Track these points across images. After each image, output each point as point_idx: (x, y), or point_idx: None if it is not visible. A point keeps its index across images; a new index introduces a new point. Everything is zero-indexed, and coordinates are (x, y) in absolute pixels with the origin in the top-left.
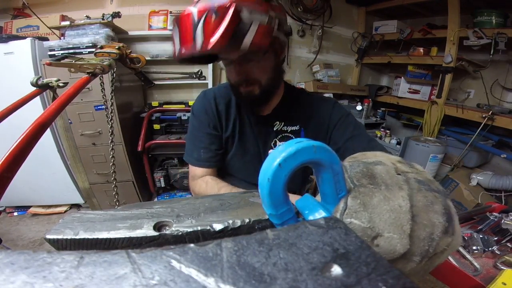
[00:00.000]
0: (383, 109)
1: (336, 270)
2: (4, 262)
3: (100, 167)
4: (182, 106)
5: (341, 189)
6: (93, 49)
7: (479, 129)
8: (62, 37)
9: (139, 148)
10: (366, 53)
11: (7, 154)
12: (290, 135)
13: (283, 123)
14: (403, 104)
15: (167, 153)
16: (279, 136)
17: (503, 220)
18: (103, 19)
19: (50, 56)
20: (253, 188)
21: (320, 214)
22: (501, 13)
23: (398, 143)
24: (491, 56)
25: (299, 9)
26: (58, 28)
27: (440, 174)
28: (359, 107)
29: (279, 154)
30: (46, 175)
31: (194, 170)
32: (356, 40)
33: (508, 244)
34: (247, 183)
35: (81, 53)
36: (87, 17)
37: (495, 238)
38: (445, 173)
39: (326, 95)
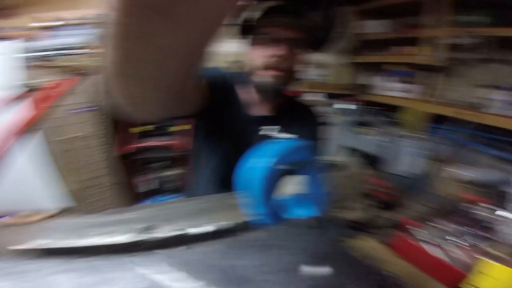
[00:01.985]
0: (371, 107)
1: (325, 270)
2: None
3: (86, 171)
4: None
5: (319, 187)
6: (85, 50)
7: (464, 126)
8: (48, 38)
9: (125, 151)
10: (355, 53)
11: None
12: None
13: (283, 128)
14: (390, 102)
15: (153, 156)
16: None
17: (477, 211)
18: (91, 19)
19: (39, 57)
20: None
21: (300, 212)
22: (484, 12)
23: (385, 140)
24: (477, 54)
25: None
26: (43, 28)
27: (425, 169)
28: (348, 106)
29: (265, 153)
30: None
31: None
32: (346, 40)
33: (485, 234)
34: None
35: (67, 54)
36: (74, 17)
37: (472, 229)
38: (430, 168)
39: (317, 95)
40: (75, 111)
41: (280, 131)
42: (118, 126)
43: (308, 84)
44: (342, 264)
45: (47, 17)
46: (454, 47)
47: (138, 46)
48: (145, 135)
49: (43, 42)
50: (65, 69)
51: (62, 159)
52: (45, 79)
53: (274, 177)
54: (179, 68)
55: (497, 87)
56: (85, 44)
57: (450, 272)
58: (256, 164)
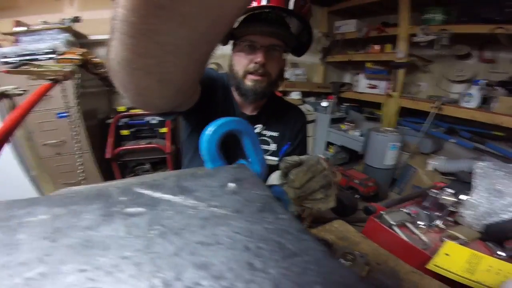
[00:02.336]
0: (347, 104)
1: (231, 185)
2: None
3: (68, 177)
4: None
5: (258, 152)
6: (52, 55)
7: (430, 118)
8: (17, 43)
9: (107, 156)
10: (329, 52)
11: None
12: (268, 139)
13: (264, 126)
14: (364, 99)
15: (138, 158)
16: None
17: (440, 195)
18: (62, 24)
19: (4, 63)
20: None
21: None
22: (446, 10)
23: (361, 135)
24: (436, 51)
25: None
26: (12, 34)
27: (400, 161)
28: (324, 103)
29: (212, 125)
30: (8, 188)
31: None
32: (319, 40)
33: (449, 218)
34: None
35: (38, 59)
36: (45, 22)
37: (438, 214)
38: (405, 160)
39: (294, 93)
40: (57, 115)
41: (264, 129)
42: (102, 130)
43: (285, 83)
44: (246, 183)
45: (15, 23)
46: (416, 45)
47: (143, 42)
48: (134, 137)
49: (14, 48)
50: (38, 75)
51: (37, 166)
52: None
53: (219, 139)
54: (184, 65)
55: (458, 82)
56: (57, 49)
57: (416, 253)
58: (205, 131)
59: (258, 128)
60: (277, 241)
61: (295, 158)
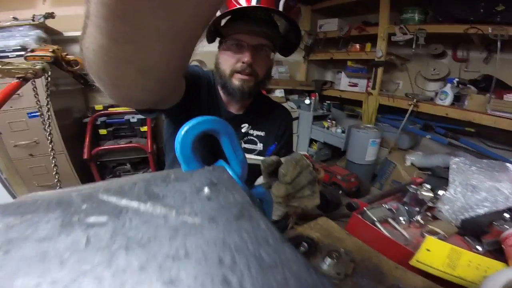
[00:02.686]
0: (328, 102)
1: (206, 189)
2: None
3: (42, 179)
4: (129, 108)
5: (238, 153)
6: (22, 53)
7: (407, 114)
8: None
9: (85, 156)
10: (312, 50)
11: None
12: (255, 139)
13: (250, 126)
14: (345, 97)
15: (117, 158)
16: (244, 138)
17: (419, 191)
18: (33, 20)
19: None
20: None
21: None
22: (423, 10)
23: (343, 132)
24: (413, 50)
25: None
26: None
27: (380, 157)
28: (307, 101)
29: (186, 124)
30: None
31: None
32: (302, 38)
33: (428, 213)
34: None
35: (7, 57)
36: (14, 18)
37: (417, 209)
38: (384, 156)
39: (278, 91)
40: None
41: (251, 128)
42: (78, 129)
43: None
44: (222, 186)
45: None
46: (394, 44)
47: (120, 25)
48: (113, 136)
49: None
50: (7, 73)
51: (7, 169)
52: None
53: (193, 140)
54: (167, 51)
55: (433, 80)
56: (24, 46)
57: (399, 249)
58: (179, 131)
59: (245, 127)
60: (254, 252)
61: (273, 158)
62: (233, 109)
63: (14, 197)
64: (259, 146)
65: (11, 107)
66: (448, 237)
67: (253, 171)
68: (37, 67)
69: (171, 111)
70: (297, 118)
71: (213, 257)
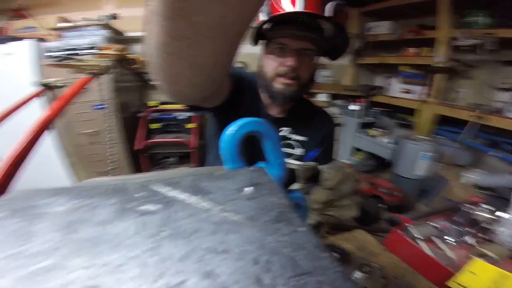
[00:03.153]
0: (377, 108)
1: (247, 189)
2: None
3: (99, 166)
4: (179, 106)
5: (279, 156)
6: (91, 50)
7: (468, 127)
8: (60, 39)
9: (137, 147)
10: (360, 54)
11: (13, 152)
12: (293, 143)
13: (290, 129)
14: (396, 104)
15: (164, 151)
16: (282, 142)
17: (474, 211)
18: (100, 20)
19: (49, 57)
20: None
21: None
22: (489, 14)
23: (391, 142)
24: (479, 56)
25: None
26: (55, 29)
27: (431, 172)
28: (353, 107)
29: (232, 125)
30: (45, 173)
31: None
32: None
33: (480, 235)
34: None
35: (78, 54)
36: (84, 18)
37: (469, 229)
38: (436, 171)
39: (321, 95)
40: (93, 107)
41: (291, 132)
42: (133, 123)
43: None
44: (263, 188)
45: (61, 19)
46: (458, 49)
47: (179, 23)
48: (163, 131)
49: (57, 43)
50: (78, 69)
51: (73, 153)
52: (60, 78)
53: (239, 140)
54: (215, 46)
55: (503, 89)
56: (95, 45)
57: (438, 269)
58: (226, 131)
59: (284, 131)
60: (290, 256)
61: (312, 163)
62: (274, 112)
63: (75, 180)
64: (298, 151)
65: (80, 99)
66: (500, 261)
67: (288, 176)
68: (104, 64)
69: (215, 110)
70: (340, 125)
71: (249, 256)
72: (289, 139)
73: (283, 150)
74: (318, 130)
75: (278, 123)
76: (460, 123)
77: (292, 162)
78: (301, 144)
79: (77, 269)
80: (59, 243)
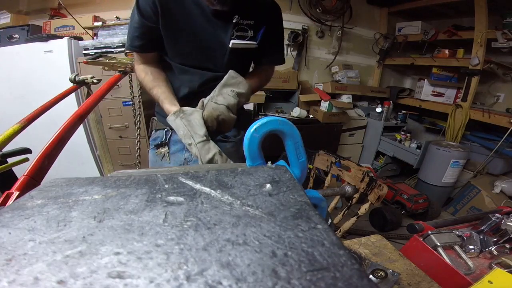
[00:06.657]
0: (405, 111)
1: (268, 186)
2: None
3: (126, 159)
4: None
5: (301, 155)
6: (123, 49)
7: (506, 135)
8: (95, 37)
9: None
10: (388, 55)
11: (48, 144)
12: (246, 27)
13: (239, 16)
14: (426, 107)
15: None
16: (236, 28)
17: (503, 221)
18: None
19: (85, 54)
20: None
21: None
22: None
23: (418, 147)
24: None
25: (318, 10)
26: (91, 28)
27: (461, 180)
28: (378, 109)
29: (256, 123)
30: (76, 164)
31: (135, 54)
32: (377, 41)
33: (506, 245)
34: (198, 69)
35: (112, 52)
36: (117, 17)
37: (494, 239)
38: (467, 179)
39: (344, 96)
40: (123, 103)
41: (238, 19)
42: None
43: (336, 85)
44: (283, 185)
45: (94, 18)
46: (495, 51)
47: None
48: None
49: (92, 41)
50: (108, 67)
51: (102, 146)
52: (92, 75)
53: (261, 139)
54: None
55: None
56: (123, 44)
57: (456, 277)
58: (249, 129)
59: (235, 18)
60: (308, 251)
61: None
62: (219, 5)
63: (102, 172)
64: (250, 32)
65: (111, 95)
66: None
67: (243, 53)
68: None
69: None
70: (364, 127)
71: (267, 249)
72: (241, 24)
73: (238, 34)
74: (265, 13)
75: (227, 13)
76: (496, 130)
77: (246, 43)
78: (251, 27)
79: (108, 255)
80: (94, 229)
